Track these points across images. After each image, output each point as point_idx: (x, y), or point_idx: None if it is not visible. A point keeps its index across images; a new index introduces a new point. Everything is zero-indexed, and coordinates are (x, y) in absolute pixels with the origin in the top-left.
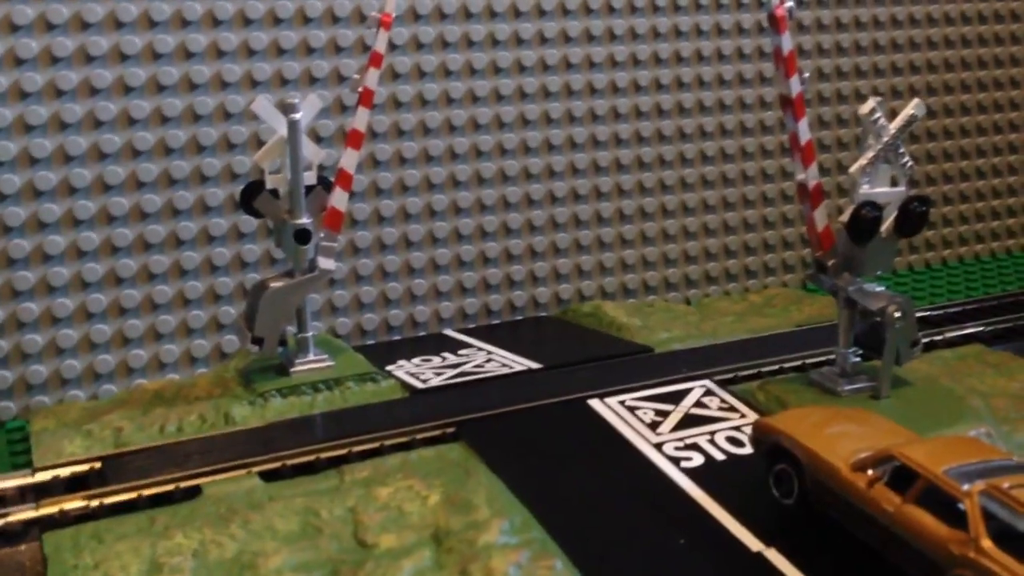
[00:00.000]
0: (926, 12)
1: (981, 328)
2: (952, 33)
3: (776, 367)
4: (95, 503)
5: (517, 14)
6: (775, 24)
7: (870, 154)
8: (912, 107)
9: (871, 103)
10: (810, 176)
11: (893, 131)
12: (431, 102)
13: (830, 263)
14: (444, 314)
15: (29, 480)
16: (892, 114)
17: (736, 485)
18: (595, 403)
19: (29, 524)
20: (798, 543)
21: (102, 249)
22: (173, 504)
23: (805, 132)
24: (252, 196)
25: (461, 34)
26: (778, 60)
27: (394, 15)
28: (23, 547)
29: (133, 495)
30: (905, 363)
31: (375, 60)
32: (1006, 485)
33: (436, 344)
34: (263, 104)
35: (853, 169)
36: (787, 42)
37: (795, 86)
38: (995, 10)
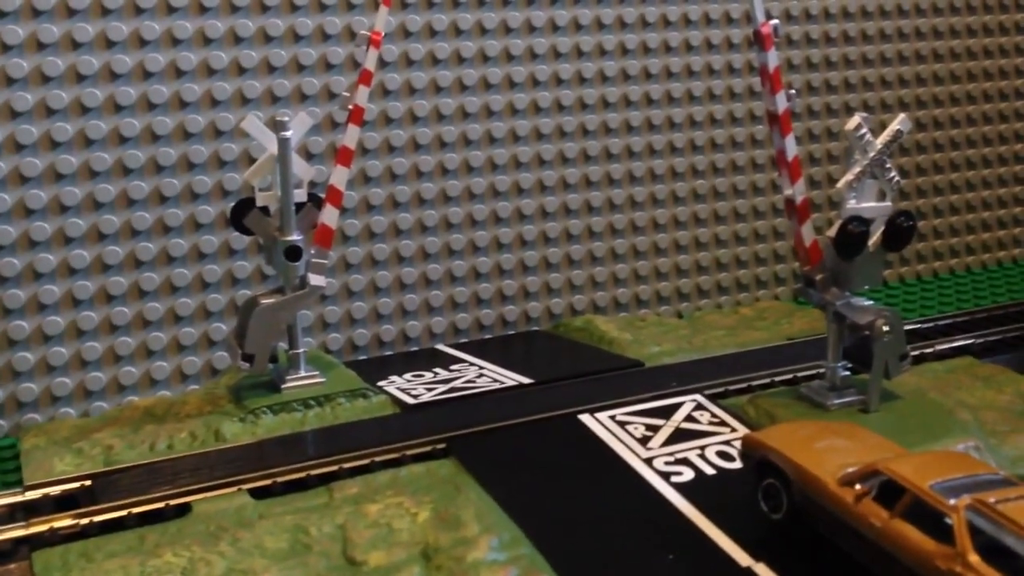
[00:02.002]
0: (914, 26)
1: (971, 341)
2: (940, 47)
3: (767, 381)
4: (85, 521)
5: (507, 31)
6: (761, 41)
7: (856, 169)
8: (898, 122)
9: (856, 119)
10: (797, 192)
11: (879, 146)
12: (422, 118)
13: (818, 277)
14: (436, 329)
15: (19, 498)
16: (882, 126)
17: (726, 500)
18: (586, 418)
19: (19, 542)
20: (787, 558)
21: (93, 267)
22: (163, 522)
23: (792, 148)
24: (243, 213)
25: (451, 51)
26: (764, 76)
27: (384, 33)
28: (12, 566)
29: (123, 513)
30: (895, 376)
31: (365, 78)
32: (992, 500)
33: (428, 359)
34: (253, 122)
35: (840, 184)
36: (773, 59)
37: (781, 102)
38: (983, 23)
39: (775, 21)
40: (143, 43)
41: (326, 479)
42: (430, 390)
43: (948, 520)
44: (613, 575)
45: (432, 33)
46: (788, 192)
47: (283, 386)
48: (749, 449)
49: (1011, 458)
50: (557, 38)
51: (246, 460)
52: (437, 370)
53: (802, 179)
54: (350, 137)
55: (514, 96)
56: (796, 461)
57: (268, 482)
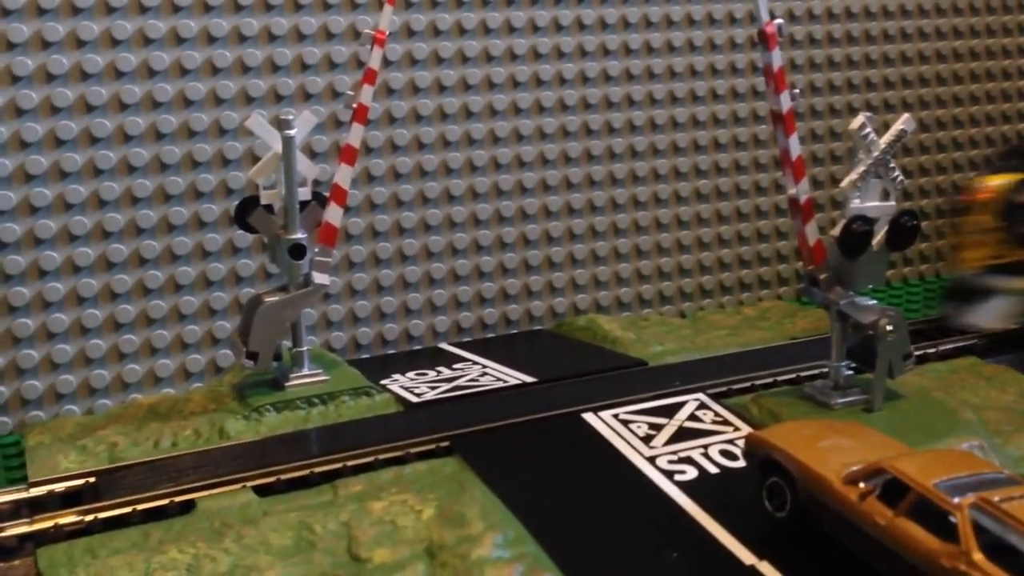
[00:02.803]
0: (917, 26)
1: (974, 340)
2: (944, 47)
3: (770, 380)
4: (89, 518)
5: (511, 30)
6: (765, 41)
7: (860, 169)
8: (902, 122)
9: (861, 118)
10: (801, 191)
11: (883, 145)
12: (425, 117)
13: (822, 277)
14: (439, 328)
15: (24, 495)
16: (885, 127)
17: (729, 498)
18: (589, 417)
19: (23, 539)
20: (791, 556)
21: (98, 264)
22: (167, 519)
23: (796, 147)
24: (247, 212)
25: (455, 50)
26: (768, 76)
27: (388, 32)
28: (17, 562)
29: (127, 510)
30: (898, 376)
31: (369, 76)
32: (997, 498)
33: (431, 358)
34: (258, 120)
35: (844, 184)
36: (777, 58)
37: (785, 101)
38: (987, 24)
39: (779, 20)
40: (147, 41)
41: (330, 477)
42: (433, 388)
43: (953, 518)
44: (617, 573)
45: (436, 32)
46: (792, 191)
47: (287, 384)
48: (753, 448)
49: (1015, 457)
50: (561, 38)
51: (250, 457)
52: (440, 369)
53: (806, 178)
54: (354, 136)
55: (517, 95)
56: (800, 459)
57: (272, 479)
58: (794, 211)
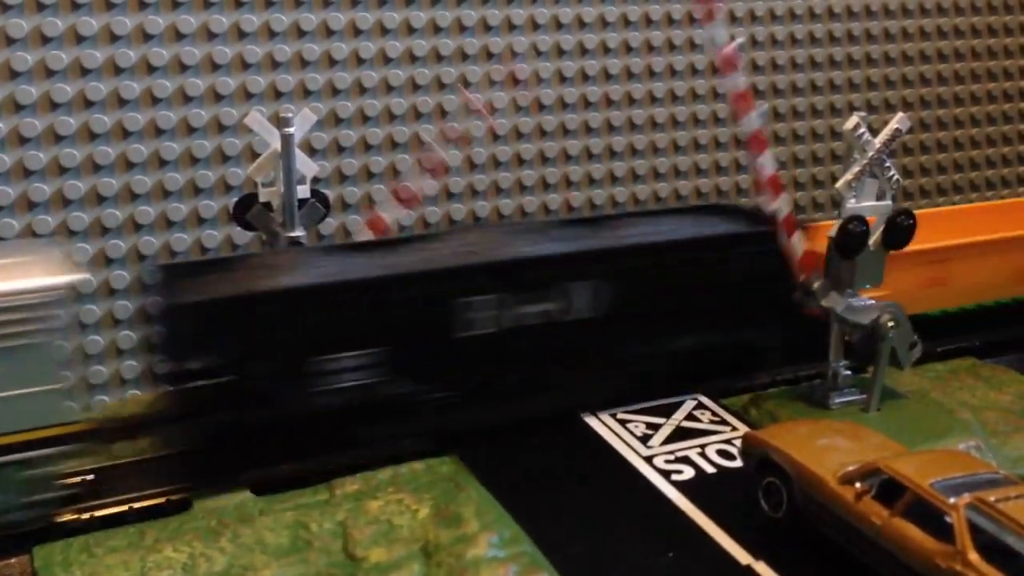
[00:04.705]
0: (919, 26)
1: (973, 341)
2: (945, 47)
3: (768, 380)
4: (85, 516)
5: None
6: (727, 65)
7: (855, 169)
8: (896, 121)
9: (854, 118)
10: (780, 206)
11: (878, 145)
12: (424, 114)
13: (815, 286)
14: None
15: None
16: (885, 126)
17: (726, 498)
18: (586, 416)
19: (19, 537)
20: (787, 557)
21: (96, 260)
22: (163, 517)
23: (768, 165)
24: (245, 209)
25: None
26: (730, 101)
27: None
28: (13, 560)
29: (123, 508)
30: (906, 366)
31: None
32: (992, 498)
33: None
34: (257, 118)
35: (839, 184)
36: (737, 82)
37: (749, 124)
38: (988, 23)
39: (739, 41)
40: (147, 37)
41: (326, 476)
42: None
43: (948, 519)
44: (612, 573)
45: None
46: (771, 209)
47: None
48: (750, 447)
49: (1012, 458)
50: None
51: None
52: None
53: (784, 195)
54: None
55: (520, 92)
56: (797, 459)
57: (269, 478)
58: (777, 227)
